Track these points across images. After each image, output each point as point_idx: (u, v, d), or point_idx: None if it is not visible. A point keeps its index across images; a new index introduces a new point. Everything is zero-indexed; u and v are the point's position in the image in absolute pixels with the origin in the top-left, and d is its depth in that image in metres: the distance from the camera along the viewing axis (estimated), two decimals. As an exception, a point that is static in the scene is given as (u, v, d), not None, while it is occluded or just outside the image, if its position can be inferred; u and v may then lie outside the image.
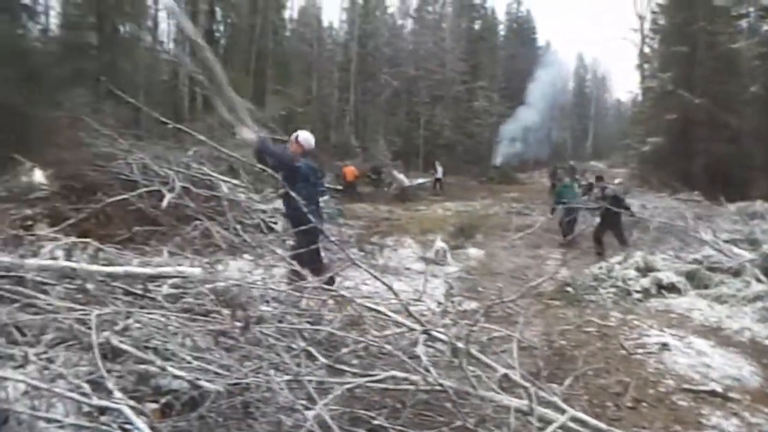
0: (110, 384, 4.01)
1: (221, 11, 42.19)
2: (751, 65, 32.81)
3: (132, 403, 3.89)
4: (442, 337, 4.94)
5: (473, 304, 8.33)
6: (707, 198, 23.19)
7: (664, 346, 7.03)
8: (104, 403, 3.83)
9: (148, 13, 38.33)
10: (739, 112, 30.79)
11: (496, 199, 29.95)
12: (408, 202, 31.13)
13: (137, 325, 5.03)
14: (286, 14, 51.59)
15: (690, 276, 10.69)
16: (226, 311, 5.39)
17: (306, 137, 9.09)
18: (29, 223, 10.64)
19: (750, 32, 34.27)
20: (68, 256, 7.06)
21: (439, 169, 40.03)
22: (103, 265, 6.76)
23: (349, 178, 30.35)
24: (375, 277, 5.45)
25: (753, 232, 14.15)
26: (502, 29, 76.08)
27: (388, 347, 4.80)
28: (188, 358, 4.57)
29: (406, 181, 34.94)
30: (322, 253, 7.90)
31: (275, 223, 13.21)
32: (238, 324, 4.85)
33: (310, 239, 7.55)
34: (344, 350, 4.94)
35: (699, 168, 31.45)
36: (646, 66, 41.87)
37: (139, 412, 3.79)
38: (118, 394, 3.93)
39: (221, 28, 43.08)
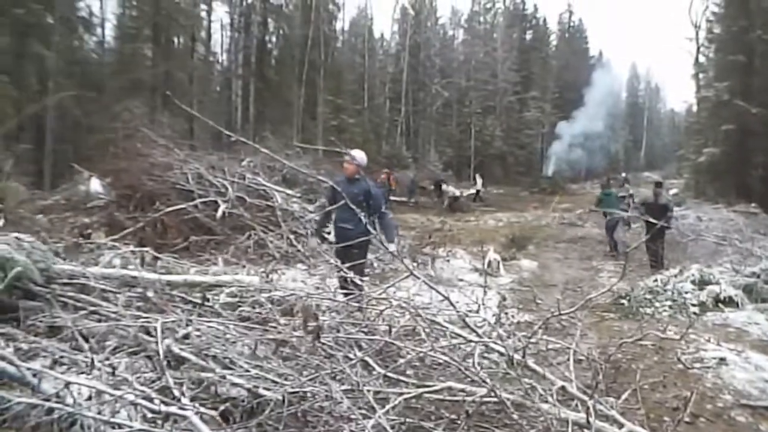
0: (176, 391, 4.10)
1: (274, 22, 42.67)
2: (810, 74, 32.28)
3: (201, 409, 3.99)
4: (499, 348, 4.97)
5: (527, 316, 8.35)
6: (765, 210, 22.82)
7: (722, 361, 6.96)
8: (171, 409, 3.92)
9: (201, 25, 38.81)
10: (797, 122, 30.28)
11: (548, 210, 29.80)
12: (459, 212, 31.09)
13: (197, 333, 5.14)
14: (338, 25, 51.97)
15: (748, 289, 10.54)
16: (288, 320, 5.48)
17: (361, 156, 9.11)
18: (88, 231, 10.84)
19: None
20: (126, 265, 7.21)
21: (479, 181, 39.87)
22: (163, 273, 6.90)
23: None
24: (432, 288, 5.49)
25: (811, 244, 13.95)
26: (553, 39, 75.74)
27: (445, 358, 4.84)
28: (247, 367, 4.65)
29: (457, 192, 34.86)
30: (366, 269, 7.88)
31: (329, 233, 13.30)
32: (310, 332, 4.92)
33: (359, 254, 7.55)
34: (401, 361, 4.98)
35: (756, 179, 30.98)
36: (701, 75, 41.33)
37: (204, 420, 3.88)
38: (185, 401, 4.01)
39: (274, 39, 43.55)
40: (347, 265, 6.73)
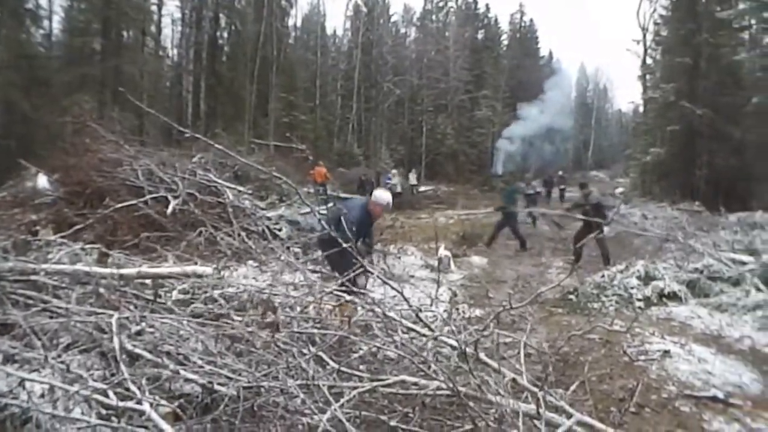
0: (132, 386, 4.10)
1: (225, 18, 42.31)
2: (753, 77, 32.85)
3: (157, 401, 3.99)
4: (452, 342, 5.04)
5: (478, 311, 8.45)
6: (708, 208, 23.26)
7: (666, 353, 7.13)
8: (128, 404, 3.92)
9: (152, 19, 38.35)
10: (741, 123, 30.77)
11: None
12: (409, 210, 31.04)
13: (150, 329, 5.12)
14: (290, 22, 51.73)
15: (691, 285, 10.76)
16: (241, 316, 5.49)
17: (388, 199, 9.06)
18: (35, 228, 10.68)
19: (752, 44, 34.33)
20: (77, 262, 7.14)
21: (412, 176, 39.87)
22: (115, 269, 6.84)
23: (319, 180, 29.52)
24: (386, 283, 5.55)
25: (753, 242, 14.23)
26: (505, 39, 76.20)
27: (398, 352, 4.90)
28: (201, 362, 4.66)
29: (399, 188, 34.31)
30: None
31: (279, 230, 13.28)
32: (268, 326, 4.93)
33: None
34: (354, 355, 5.03)
35: (701, 179, 31.53)
36: (648, 77, 41.88)
37: (159, 415, 3.88)
38: (141, 395, 4.01)
39: (225, 34, 43.21)
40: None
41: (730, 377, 6.61)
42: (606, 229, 15.55)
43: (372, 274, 5.89)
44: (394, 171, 35.43)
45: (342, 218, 7.08)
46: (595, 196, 15.76)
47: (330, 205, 15.84)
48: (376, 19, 57.87)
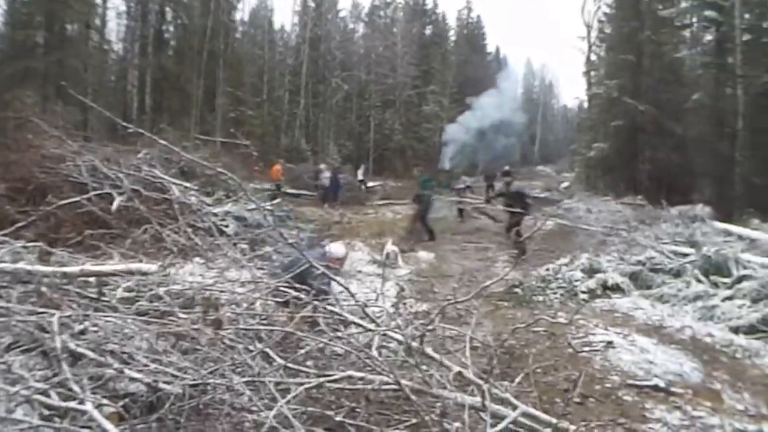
0: (75, 386, 4.03)
1: (172, 11, 41.69)
2: (694, 74, 33.49)
3: (101, 402, 3.94)
4: (398, 337, 5.05)
5: (425, 306, 8.47)
6: (651, 202, 23.58)
7: (609, 344, 7.24)
8: (70, 404, 3.86)
9: (96, 12, 37.67)
10: (683, 119, 31.30)
11: (446, 203, 30.13)
12: (357, 205, 30.87)
13: (94, 328, 5.04)
14: (238, 16, 51.09)
15: (633, 277, 10.97)
16: (187, 313, 5.44)
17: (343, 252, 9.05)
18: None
19: (693, 42, 34.97)
20: (18, 260, 7.00)
21: (360, 172, 39.73)
22: (58, 267, 6.74)
23: (275, 177, 29.19)
24: (332, 278, 5.55)
25: (693, 234, 14.48)
26: (452, 35, 76.22)
27: (345, 347, 4.90)
28: (145, 361, 4.59)
29: (324, 182, 32.96)
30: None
31: (226, 226, 13.17)
32: (211, 323, 4.90)
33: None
34: (301, 351, 5.01)
35: (643, 173, 31.94)
36: (593, 73, 42.37)
37: (103, 415, 3.83)
38: (83, 395, 3.95)
39: (172, 28, 42.63)
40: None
41: (671, 366, 6.72)
42: (549, 222, 15.73)
43: (318, 269, 5.88)
44: (322, 166, 34.83)
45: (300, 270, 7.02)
46: (516, 185, 15.96)
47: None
48: (324, 14, 57.54)
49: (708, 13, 31.19)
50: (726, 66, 29.65)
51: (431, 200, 18.42)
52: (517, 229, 15.51)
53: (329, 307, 5.46)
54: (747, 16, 29.27)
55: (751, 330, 8.34)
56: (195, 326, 5.04)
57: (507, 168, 18.44)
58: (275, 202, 19.02)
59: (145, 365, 4.52)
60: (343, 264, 9.25)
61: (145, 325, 5.13)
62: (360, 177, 38.91)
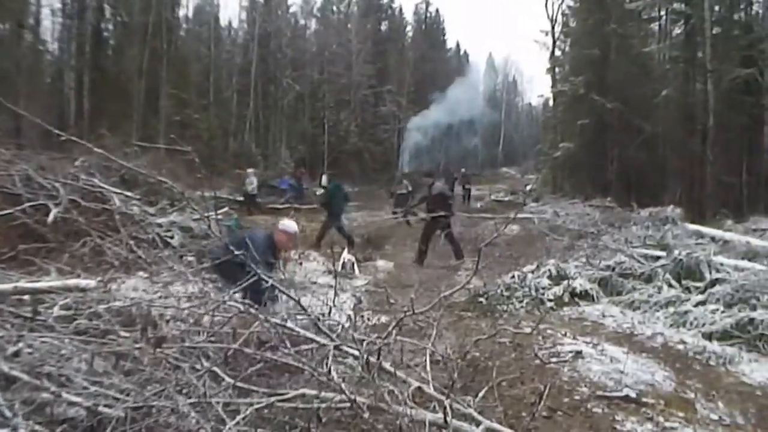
0: (8, 412, 3.98)
1: (110, 8, 41.35)
2: (662, 69, 33.90)
3: (38, 428, 3.89)
4: (354, 351, 5.05)
5: (384, 318, 8.47)
6: (620, 204, 23.85)
7: (578, 354, 7.28)
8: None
9: (29, 10, 37.25)
10: (652, 116, 31.64)
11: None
12: (312, 213, 30.67)
13: (28, 350, 4.96)
14: (181, 12, 50.84)
15: (603, 283, 11.04)
16: (129, 331, 5.39)
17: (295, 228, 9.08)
18: None
19: (661, 35, 35.37)
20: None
21: (323, 178, 39.80)
22: (-12, 284, 6.64)
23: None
24: (282, 291, 5.53)
25: (664, 237, 14.66)
26: (410, 30, 76.46)
27: (297, 364, 4.88)
28: (85, 384, 4.53)
29: (249, 188, 32.22)
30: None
31: (171, 237, 13.09)
32: (150, 343, 4.85)
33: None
34: (251, 369, 4.99)
35: (612, 174, 32.30)
36: (557, 69, 42.68)
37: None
38: (16, 421, 3.90)
39: (110, 26, 42.28)
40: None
41: (642, 376, 6.78)
42: (513, 227, 15.87)
43: (267, 281, 5.87)
44: (250, 170, 34.47)
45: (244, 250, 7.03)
46: (437, 187, 16.03)
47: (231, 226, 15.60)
48: (273, 9, 57.43)
49: (676, 5, 31.67)
50: (696, 60, 30.04)
51: (342, 209, 18.27)
52: (449, 232, 15.67)
53: (281, 322, 5.44)
54: (717, 8, 29.61)
55: (724, 336, 8.41)
56: (137, 345, 4.99)
57: (427, 171, 18.45)
58: (222, 210, 18.94)
59: (84, 388, 4.45)
60: (296, 244, 9.26)
61: (84, 345, 5.05)
62: (324, 183, 38.95)
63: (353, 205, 25.39)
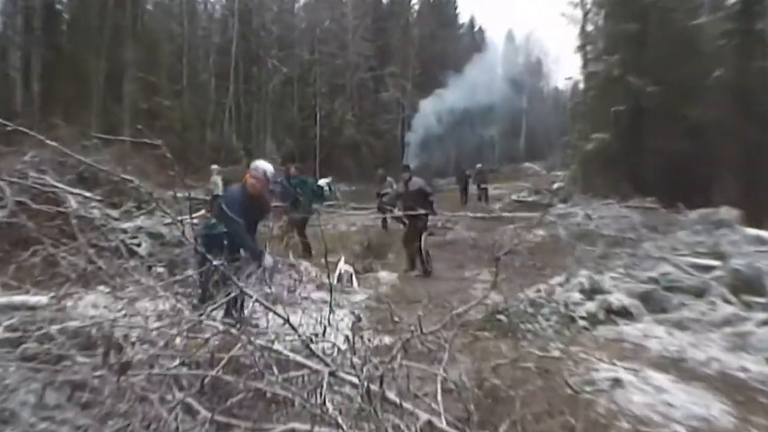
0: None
1: (65, -23, 41.40)
2: (714, 45, 33.59)
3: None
4: (352, 379, 4.99)
5: (387, 339, 8.41)
6: (664, 204, 23.69)
7: (617, 383, 7.20)
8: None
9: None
10: (701, 101, 31.38)
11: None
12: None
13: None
14: (149, -19, 50.85)
15: (645, 298, 10.94)
16: (88, 356, 5.32)
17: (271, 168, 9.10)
18: None
19: (712, 6, 35.06)
20: None
21: (324, 181, 39.76)
22: None
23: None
24: (269, 309, 5.47)
25: (718, 243, 14.54)
26: (416, 3, 76.29)
27: (286, 393, 4.82)
28: (33, 419, 4.49)
29: (218, 189, 31.10)
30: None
31: (138, 245, 13.03)
32: (112, 369, 4.79)
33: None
34: (232, 400, 4.93)
35: (653, 169, 32.05)
36: (588, 47, 42.53)
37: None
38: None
39: (65, -1, 42.32)
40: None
41: (694, 410, 6.70)
42: (538, 232, 15.83)
43: (251, 297, 5.82)
44: (215, 166, 34.16)
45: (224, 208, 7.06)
46: (416, 182, 15.97)
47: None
48: (256, -21, 57.40)
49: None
50: (754, 34, 29.84)
51: (308, 209, 18.06)
52: (428, 233, 15.70)
53: (267, 344, 5.38)
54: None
55: (795, 362, 8.34)
56: (97, 373, 4.92)
57: (405, 164, 18.30)
58: (198, 214, 18.85)
59: (32, 424, 4.42)
60: (270, 182, 9.25)
61: (33, 374, 5.00)
62: (325, 186, 38.93)
63: (335, 204, 25.41)
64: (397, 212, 16.52)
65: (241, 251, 8.36)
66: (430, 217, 16.49)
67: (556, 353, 7.56)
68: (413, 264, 15.72)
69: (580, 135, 39.92)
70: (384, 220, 24.38)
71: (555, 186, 41.93)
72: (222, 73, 53.47)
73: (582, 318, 10.38)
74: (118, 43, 40.50)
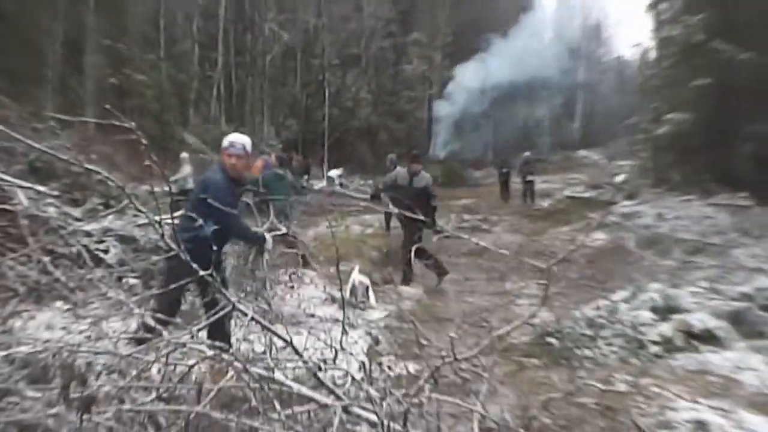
0: None
1: None
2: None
3: None
4: (369, 415, 4.95)
5: (412, 366, 8.37)
6: (759, 202, 23.53)
7: (700, 426, 7.13)
8: None
9: None
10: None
11: (441, 209, 30.17)
12: (308, 216, 30.78)
13: None
14: None
15: (736, 319, 10.80)
16: (41, 390, 5.30)
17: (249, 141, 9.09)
18: None
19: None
20: None
21: (334, 172, 40.02)
22: None
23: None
24: (268, 329, 5.43)
25: (830, 250, 14.44)
26: (445, -46, 76.17)
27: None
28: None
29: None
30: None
31: (106, 251, 13.00)
32: (73, 406, 4.75)
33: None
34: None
35: (744, 157, 31.77)
36: (662, 6, 42.25)
37: None
38: None
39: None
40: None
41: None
42: (597, 236, 15.78)
43: (245, 314, 5.78)
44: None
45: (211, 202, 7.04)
46: (423, 178, 15.84)
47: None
48: None
49: None
50: None
51: (286, 206, 17.96)
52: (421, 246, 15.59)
53: (265, 372, 5.34)
54: None
55: None
56: (53, 411, 4.89)
57: (416, 152, 18.02)
58: (179, 213, 18.82)
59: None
60: (249, 156, 9.23)
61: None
62: (335, 179, 39.19)
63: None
64: (391, 208, 16.37)
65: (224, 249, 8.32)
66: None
67: (622, 387, 7.48)
68: (407, 276, 15.67)
69: (651, 116, 39.63)
70: (387, 219, 24.23)
71: (618, 179, 41.72)
72: (208, 42, 53.31)
73: (654, 343, 10.27)
74: (78, 4, 40.39)
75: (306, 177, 37.04)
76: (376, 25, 59.71)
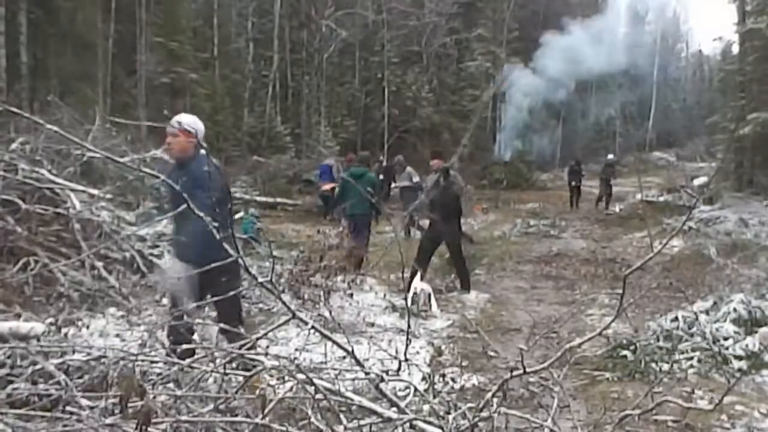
0: None
1: None
2: None
3: None
4: (433, 430, 4.94)
5: (477, 379, 8.34)
6: None
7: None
8: None
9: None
10: None
11: (506, 214, 29.97)
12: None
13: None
14: None
15: (833, 333, 10.69)
16: (96, 400, 5.31)
17: (194, 121, 8.80)
18: None
19: None
20: None
21: (409, 170, 40.08)
22: None
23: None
24: (327, 338, 5.42)
25: None
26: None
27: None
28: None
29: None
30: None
31: (160, 256, 13.04)
32: (130, 418, 4.76)
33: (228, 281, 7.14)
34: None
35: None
36: (747, -3, 41.80)
37: None
38: None
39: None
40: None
41: None
42: (674, 243, 15.69)
43: (306, 323, 5.78)
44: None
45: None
46: (458, 182, 15.57)
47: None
48: None
49: None
50: None
51: (369, 211, 17.66)
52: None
53: (325, 384, 5.33)
54: None
55: None
56: (109, 421, 4.89)
57: (438, 149, 17.65)
58: (236, 216, 18.91)
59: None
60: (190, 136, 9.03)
61: (23, 423, 4.99)
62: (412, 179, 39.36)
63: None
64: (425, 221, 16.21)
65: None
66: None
67: (703, 404, 7.40)
68: (465, 282, 15.63)
69: (733, 114, 39.32)
70: (408, 227, 24.10)
71: (696, 182, 41.39)
72: (263, 39, 53.35)
73: (738, 358, 10.14)
74: (130, 1, 40.54)
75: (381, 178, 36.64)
76: (437, 22, 59.55)
